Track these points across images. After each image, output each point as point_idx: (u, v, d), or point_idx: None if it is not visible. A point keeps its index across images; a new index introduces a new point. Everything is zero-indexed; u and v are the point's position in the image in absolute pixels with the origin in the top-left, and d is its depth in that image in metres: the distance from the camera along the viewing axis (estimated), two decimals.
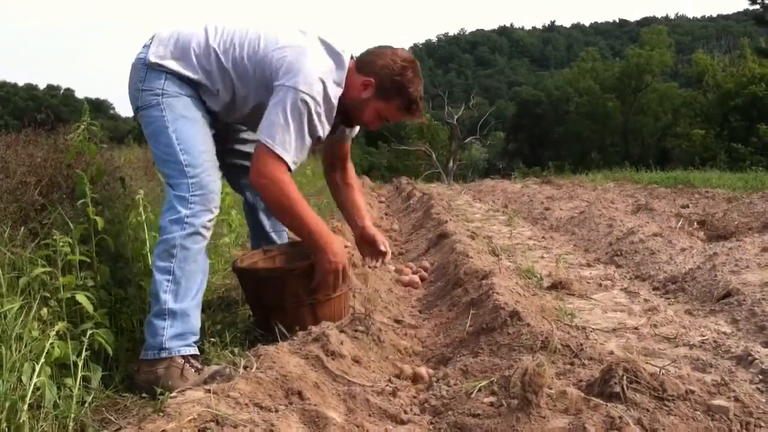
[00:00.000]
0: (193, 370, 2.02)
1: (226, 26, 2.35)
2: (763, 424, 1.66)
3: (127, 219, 2.49)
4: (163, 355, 2.04)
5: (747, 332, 2.61)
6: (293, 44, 2.28)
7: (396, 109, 2.40)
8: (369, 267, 2.75)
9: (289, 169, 2.20)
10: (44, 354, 1.64)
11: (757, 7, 31.85)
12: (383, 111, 2.41)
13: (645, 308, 3.08)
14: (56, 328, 1.73)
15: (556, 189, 10.20)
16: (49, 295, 1.96)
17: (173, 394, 1.68)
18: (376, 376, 2.10)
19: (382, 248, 2.72)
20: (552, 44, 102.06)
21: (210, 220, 2.18)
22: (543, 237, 5.61)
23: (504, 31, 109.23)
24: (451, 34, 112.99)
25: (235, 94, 2.31)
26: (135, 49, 2.35)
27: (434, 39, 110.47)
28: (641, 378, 1.72)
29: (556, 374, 1.85)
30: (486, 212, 7.77)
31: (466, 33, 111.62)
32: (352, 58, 2.40)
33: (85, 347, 1.78)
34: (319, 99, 2.22)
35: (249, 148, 2.53)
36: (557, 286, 3.47)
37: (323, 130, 2.29)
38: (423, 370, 2.19)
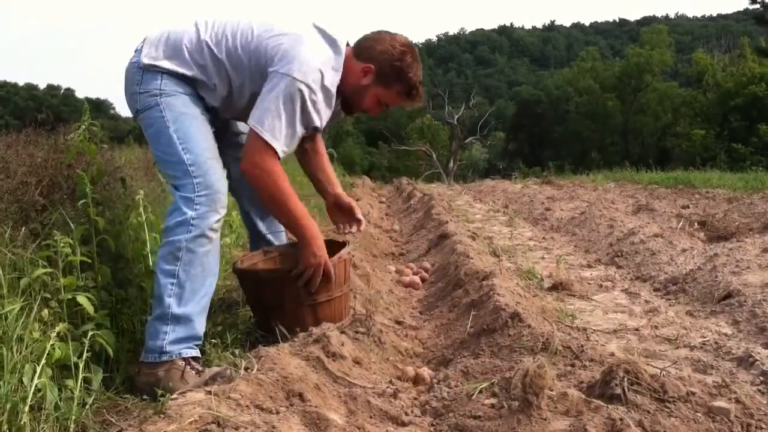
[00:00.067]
0: (193, 372, 2.01)
1: (216, 19, 2.32)
2: (764, 426, 1.67)
3: (127, 219, 2.49)
4: (164, 358, 2.02)
5: (748, 333, 2.60)
6: (289, 32, 2.25)
7: (396, 94, 2.40)
8: (344, 233, 2.71)
9: (279, 157, 2.18)
10: (45, 355, 1.64)
11: (757, 6, 31.86)
12: (383, 97, 2.40)
13: (646, 309, 3.08)
14: (57, 329, 1.73)
15: (557, 189, 10.20)
16: (50, 296, 1.96)
17: (174, 396, 1.68)
18: (377, 377, 2.10)
19: (359, 216, 2.68)
20: (552, 44, 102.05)
21: (217, 221, 2.14)
22: (543, 238, 5.61)
23: (504, 31, 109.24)
24: (451, 33, 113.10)
25: (231, 87, 2.28)
26: None
27: (434, 38, 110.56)
28: (642, 379, 1.72)
29: (556, 376, 1.85)
30: (486, 213, 7.77)
31: (466, 32, 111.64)
32: (347, 45, 2.38)
33: (86, 348, 1.77)
34: (315, 87, 2.19)
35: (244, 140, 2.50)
36: (558, 287, 3.47)
37: (320, 119, 2.25)
38: (424, 372, 2.19)
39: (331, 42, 2.32)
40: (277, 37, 2.23)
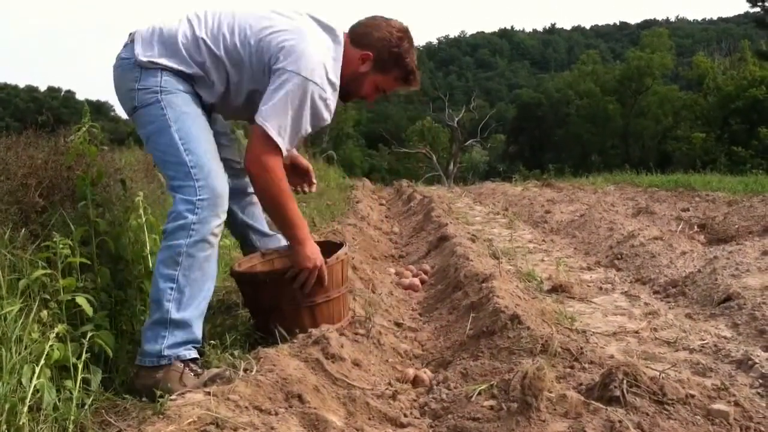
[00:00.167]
0: (192, 374, 2.00)
1: (207, 13, 2.28)
2: (763, 429, 1.67)
3: (127, 221, 2.48)
4: (163, 362, 2.00)
5: (747, 336, 2.60)
6: (290, 27, 2.23)
7: (394, 80, 2.41)
8: (299, 192, 2.71)
9: (282, 155, 2.18)
10: (44, 356, 1.64)
11: (758, 9, 31.93)
12: (381, 83, 2.41)
13: (645, 312, 3.08)
14: (56, 330, 1.73)
15: (557, 192, 10.20)
16: (49, 297, 1.96)
17: (173, 397, 1.68)
18: (376, 379, 2.10)
19: (314, 179, 2.70)
20: (552, 47, 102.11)
21: (218, 226, 2.11)
22: (543, 240, 5.61)
23: (504, 34, 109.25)
24: (451, 36, 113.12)
25: (228, 84, 2.25)
26: None
27: (435, 41, 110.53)
28: (641, 382, 1.72)
29: (556, 378, 1.85)
30: (486, 215, 7.77)
31: (467, 35, 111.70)
32: (344, 32, 2.38)
33: (85, 349, 1.77)
34: (323, 83, 2.19)
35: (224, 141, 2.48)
36: (557, 289, 3.47)
37: (330, 114, 2.25)
38: (423, 374, 2.19)
39: (329, 32, 2.31)
40: (279, 33, 2.21)
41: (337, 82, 2.26)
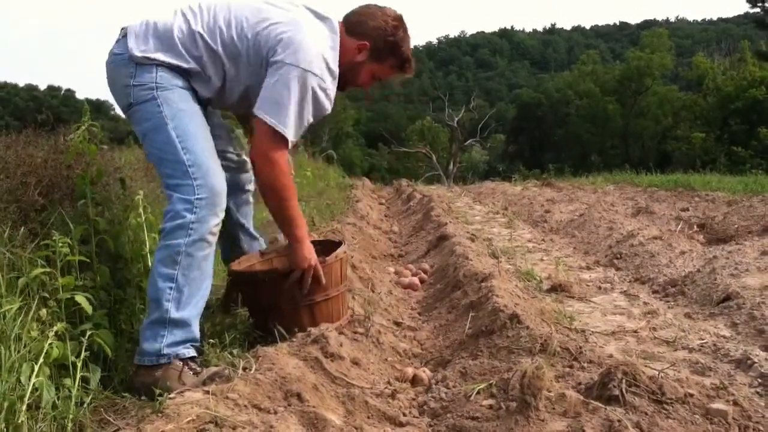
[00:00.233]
0: (191, 372, 2.00)
1: (202, 6, 2.26)
2: (761, 428, 1.67)
3: (126, 220, 2.49)
4: (162, 361, 2.00)
5: (746, 336, 2.61)
6: (286, 19, 2.23)
7: (389, 68, 2.42)
8: None
9: (288, 148, 2.18)
10: (43, 354, 1.64)
11: (758, 10, 31.94)
12: (377, 72, 2.42)
13: (644, 311, 3.08)
14: (55, 328, 1.73)
15: (556, 191, 10.20)
16: (48, 295, 1.96)
17: (172, 396, 1.68)
18: (375, 378, 2.10)
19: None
20: (552, 47, 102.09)
21: (216, 225, 2.10)
22: (543, 239, 5.61)
23: (504, 34, 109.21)
24: (451, 36, 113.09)
25: (225, 78, 2.24)
26: None
27: (434, 41, 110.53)
28: (640, 381, 1.72)
29: (555, 377, 1.85)
30: (486, 214, 7.77)
31: (467, 35, 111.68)
32: (339, 21, 2.38)
33: (84, 348, 1.77)
34: (323, 74, 2.19)
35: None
36: (557, 288, 3.47)
37: (330, 104, 2.26)
38: (422, 373, 2.19)
39: (325, 21, 2.32)
40: (276, 25, 2.20)
41: (336, 70, 2.26)
